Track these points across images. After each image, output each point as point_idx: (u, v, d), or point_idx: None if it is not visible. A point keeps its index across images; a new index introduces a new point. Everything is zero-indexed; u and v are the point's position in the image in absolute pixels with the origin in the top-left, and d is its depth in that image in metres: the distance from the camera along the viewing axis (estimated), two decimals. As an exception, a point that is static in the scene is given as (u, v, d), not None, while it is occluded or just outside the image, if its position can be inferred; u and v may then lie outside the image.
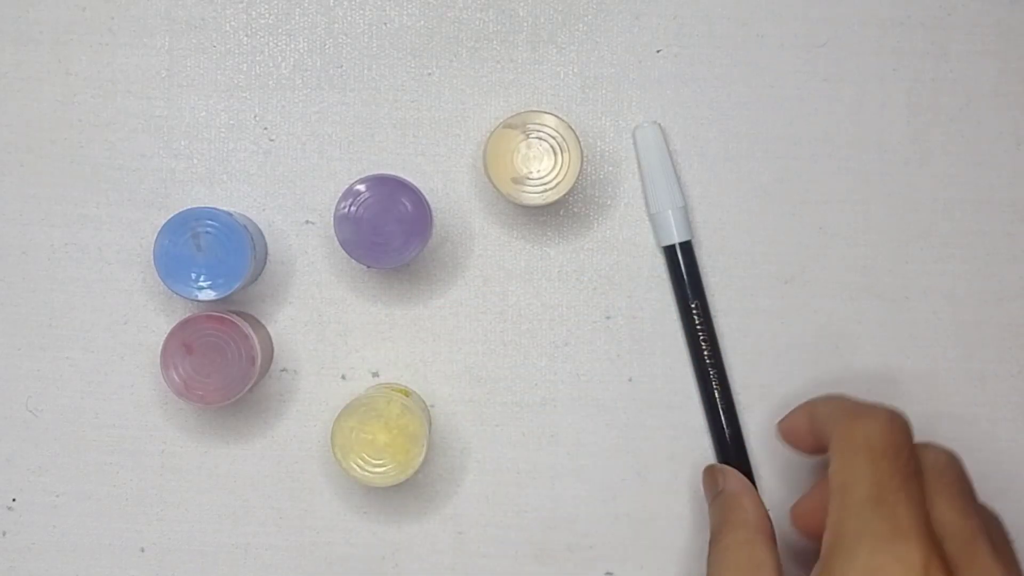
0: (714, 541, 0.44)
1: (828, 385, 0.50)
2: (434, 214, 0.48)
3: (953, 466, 0.42)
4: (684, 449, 0.51)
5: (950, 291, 0.51)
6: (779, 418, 0.48)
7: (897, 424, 0.41)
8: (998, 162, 0.51)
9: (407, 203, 0.47)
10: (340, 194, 0.47)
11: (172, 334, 0.47)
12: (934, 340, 0.51)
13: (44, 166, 0.50)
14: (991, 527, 0.41)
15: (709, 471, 0.49)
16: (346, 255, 0.47)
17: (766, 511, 0.45)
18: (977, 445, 0.50)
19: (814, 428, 0.44)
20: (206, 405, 0.47)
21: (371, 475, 0.46)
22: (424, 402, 0.50)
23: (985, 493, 0.51)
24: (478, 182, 0.51)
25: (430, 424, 0.49)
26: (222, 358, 0.46)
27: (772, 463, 0.51)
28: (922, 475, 0.40)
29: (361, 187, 0.47)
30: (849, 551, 0.37)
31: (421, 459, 0.46)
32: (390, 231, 0.47)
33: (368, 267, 0.49)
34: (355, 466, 0.46)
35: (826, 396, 0.46)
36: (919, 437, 0.42)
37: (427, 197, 0.47)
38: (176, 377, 0.46)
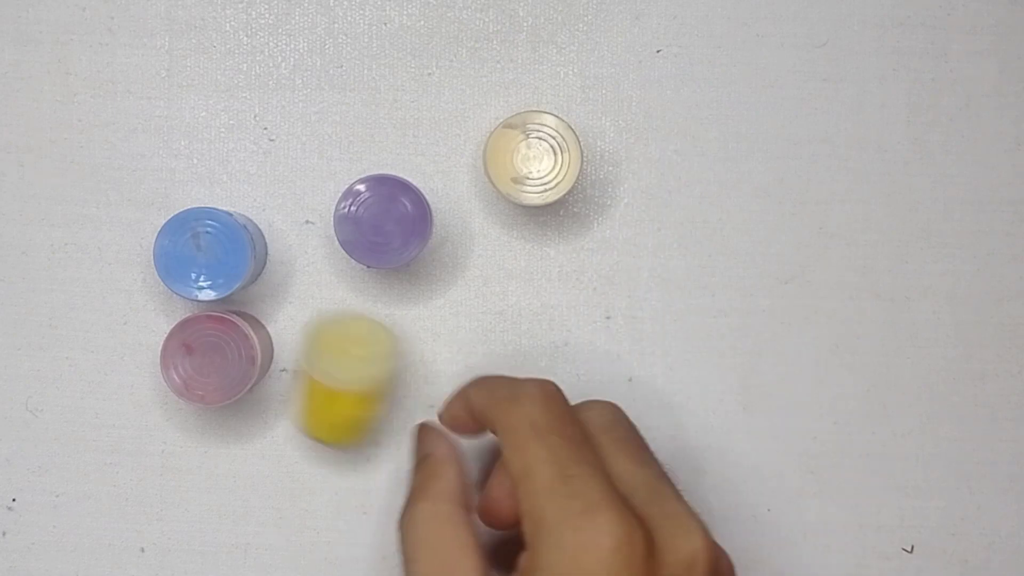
0: (408, 507, 0.42)
1: (829, 385, 0.50)
2: (434, 214, 0.48)
3: (619, 419, 0.43)
4: (684, 449, 0.51)
5: (950, 291, 0.51)
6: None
7: (553, 398, 0.41)
8: (998, 162, 0.51)
9: (407, 203, 0.47)
10: (340, 194, 0.47)
11: (172, 334, 0.47)
12: (934, 340, 0.51)
13: (44, 166, 0.50)
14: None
15: (420, 430, 0.46)
16: (346, 255, 0.47)
17: (470, 484, 0.43)
18: (977, 445, 0.50)
19: (474, 416, 0.44)
20: (206, 405, 0.47)
21: (353, 370, 0.46)
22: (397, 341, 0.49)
23: (986, 492, 0.51)
24: (478, 182, 0.51)
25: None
26: (222, 358, 0.46)
27: (772, 464, 0.51)
28: (592, 438, 0.41)
29: (361, 187, 0.47)
30: (552, 536, 0.37)
31: (398, 351, 0.45)
32: (390, 231, 0.47)
33: (368, 267, 0.49)
34: (332, 366, 0.46)
35: (477, 381, 0.44)
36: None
37: (427, 197, 0.47)
38: (176, 377, 0.46)
